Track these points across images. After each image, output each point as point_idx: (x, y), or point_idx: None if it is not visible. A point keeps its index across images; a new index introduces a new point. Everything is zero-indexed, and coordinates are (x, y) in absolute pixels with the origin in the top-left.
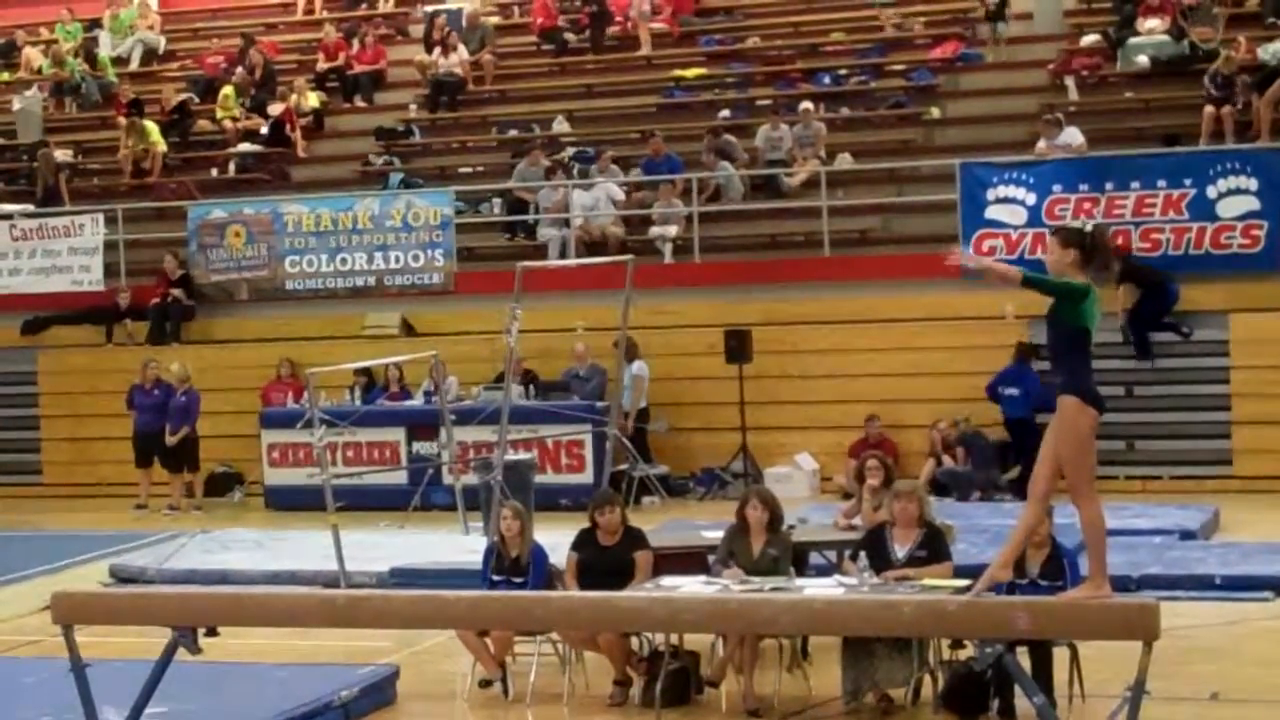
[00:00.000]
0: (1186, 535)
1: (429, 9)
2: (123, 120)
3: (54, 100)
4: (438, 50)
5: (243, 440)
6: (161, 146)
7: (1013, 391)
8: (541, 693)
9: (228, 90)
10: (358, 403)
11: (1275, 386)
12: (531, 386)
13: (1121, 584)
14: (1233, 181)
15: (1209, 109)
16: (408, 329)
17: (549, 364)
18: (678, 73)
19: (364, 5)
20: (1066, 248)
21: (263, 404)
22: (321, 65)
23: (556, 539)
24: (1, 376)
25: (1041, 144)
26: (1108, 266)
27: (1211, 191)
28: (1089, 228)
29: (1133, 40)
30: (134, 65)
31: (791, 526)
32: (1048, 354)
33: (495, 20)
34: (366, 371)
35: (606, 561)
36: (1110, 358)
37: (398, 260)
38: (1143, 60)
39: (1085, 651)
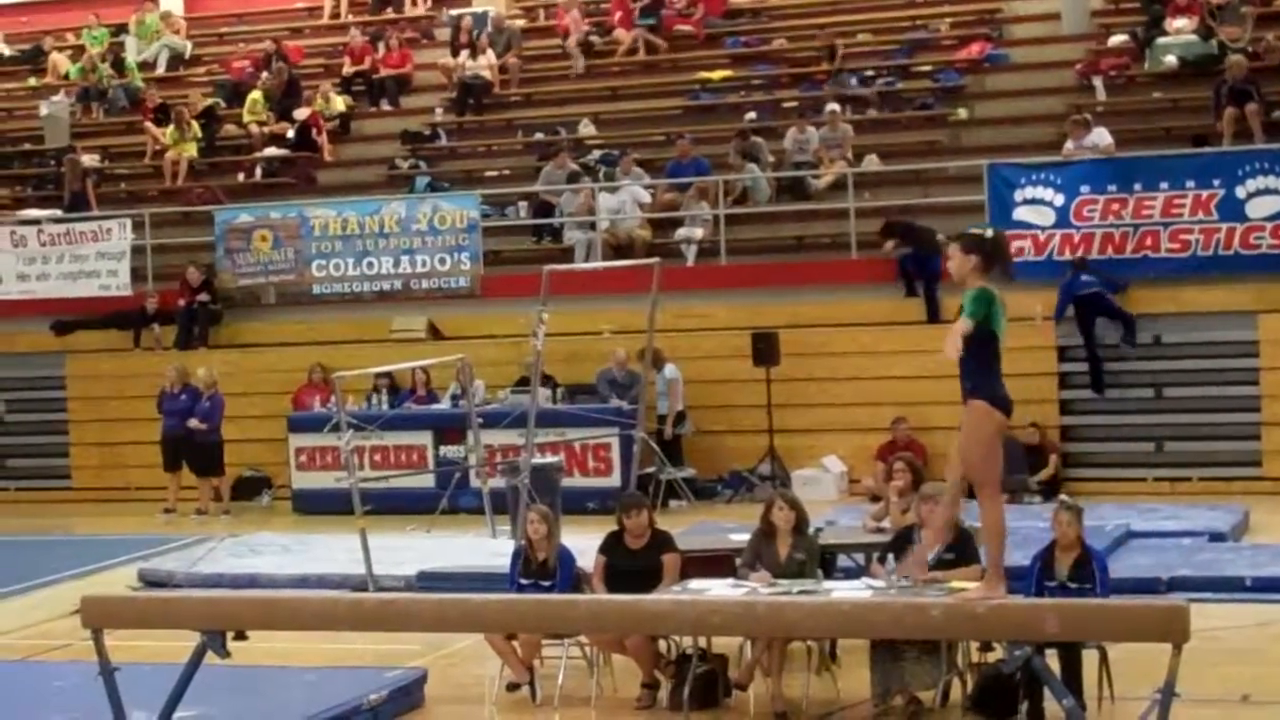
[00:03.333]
0: (1216, 537)
1: (454, 12)
2: (150, 125)
3: (81, 106)
4: (464, 54)
5: (271, 444)
6: (190, 151)
7: (1088, 278)
8: (569, 696)
9: (255, 95)
10: (384, 406)
11: None
12: (556, 390)
13: (1151, 586)
14: (1262, 181)
15: (1229, 110)
16: (434, 332)
17: (576, 367)
18: (704, 75)
19: (390, 9)
20: (968, 254)
21: (294, 408)
22: (347, 69)
23: (584, 542)
24: (30, 381)
25: (1069, 145)
26: (1008, 272)
27: (1240, 192)
28: (989, 233)
29: (1161, 40)
30: (160, 70)
31: (819, 529)
32: (964, 371)
33: (521, 23)
34: (388, 375)
35: (634, 564)
36: (1140, 359)
37: (424, 264)
38: (1171, 60)
39: (1114, 654)
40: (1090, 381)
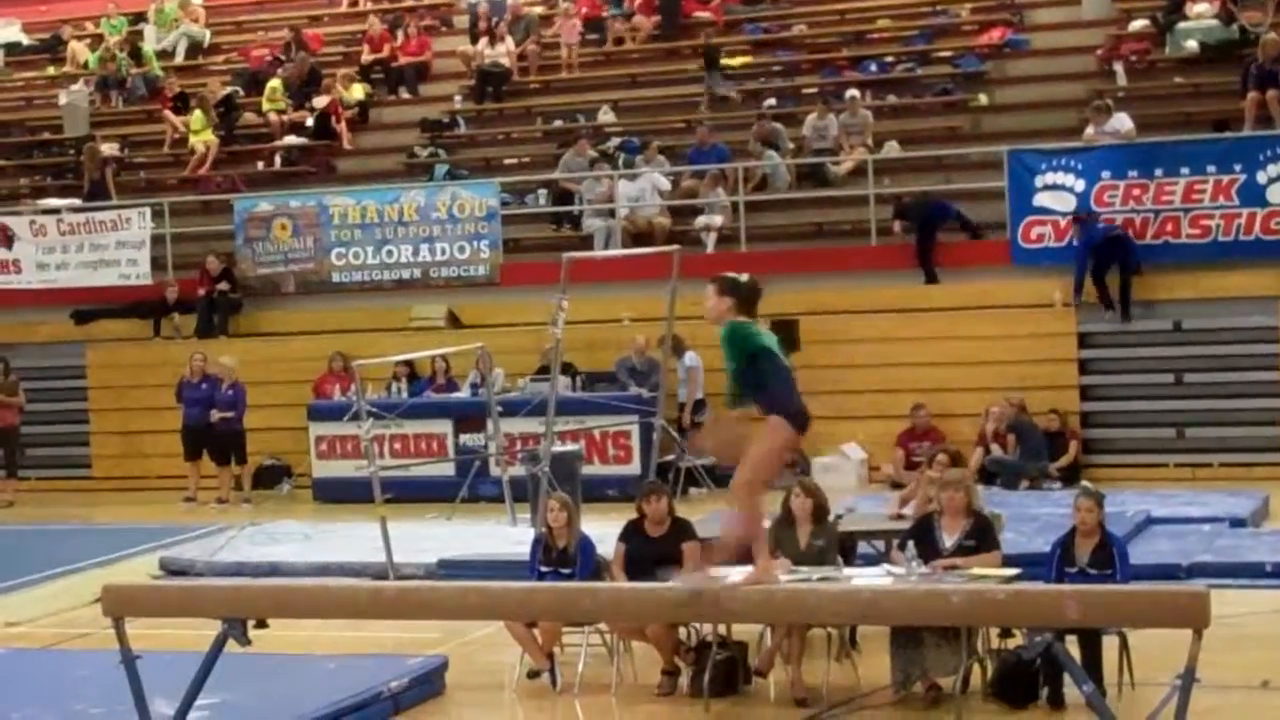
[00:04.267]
0: (1237, 523)
1: (473, 0)
2: (169, 114)
3: (100, 95)
4: (483, 41)
5: (291, 433)
6: (208, 137)
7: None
8: (589, 683)
9: (274, 83)
10: (403, 395)
11: None
12: (576, 378)
13: (1171, 572)
14: None
15: (1252, 94)
16: (454, 321)
17: (595, 355)
18: (724, 61)
19: None
20: (723, 295)
21: (314, 396)
22: (366, 57)
23: (604, 530)
24: (51, 371)
25: (1090, 130)
26: (754, 313)
27: (1261, 177)
28: (744, 279)
29: (1181, 25)
30: (179, 59)
31: (839, 516)
32: (752, 395)
33: (539, 10)
34: (408, 364)
35: (654, 552)
36: (1159, 345)
37: (443, 252)
38: (1192, 45)
39: (1135, 640)
40: (1121, 312)
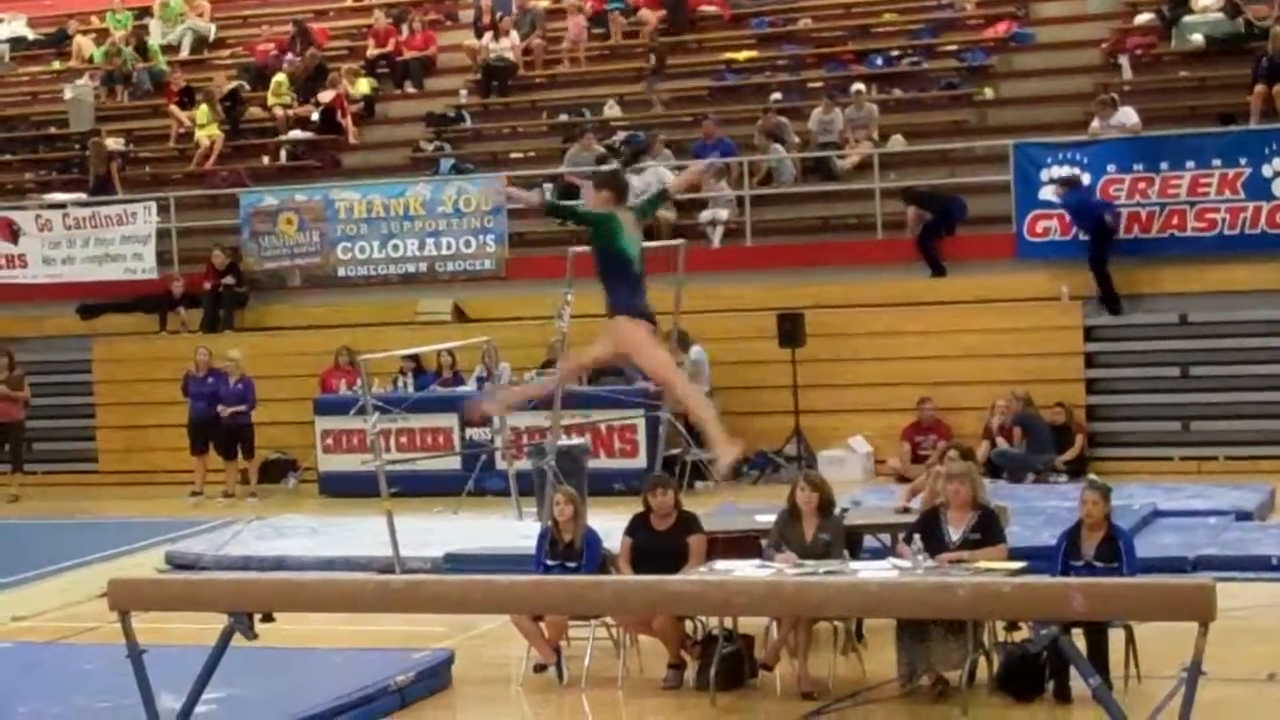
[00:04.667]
0: (1243, 516)
1: None
2: (175, 108)
3: (105, 89)
4: (488, 35)
5: (297, 427)
6: (213, 131)
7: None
8: (596, 677)
9: (279, 78)
10: (409, 389)
11: None
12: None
13: (1177, 565)
14: None
15: (1260, 88)
16: (460, 315)
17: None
18: (729, 55)
19: None
20: (600, 190)
21: (320, 390)
22: (372, 51)
23: (610, 524)
24: (57, 365)
25: (1096, 124)
26: (624, 198)
27: (1267, 170)
28: (613, 169)
29: (1187, 19)
30: (184, 53)
31: (845, 510)
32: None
33: (545, 4)
34: (415, 358)
35: (660, 545)
36: (1165, 338)
37: (449, 246)
38: (1197, 39)
39: (1141, 633)
40: (1109, 308)
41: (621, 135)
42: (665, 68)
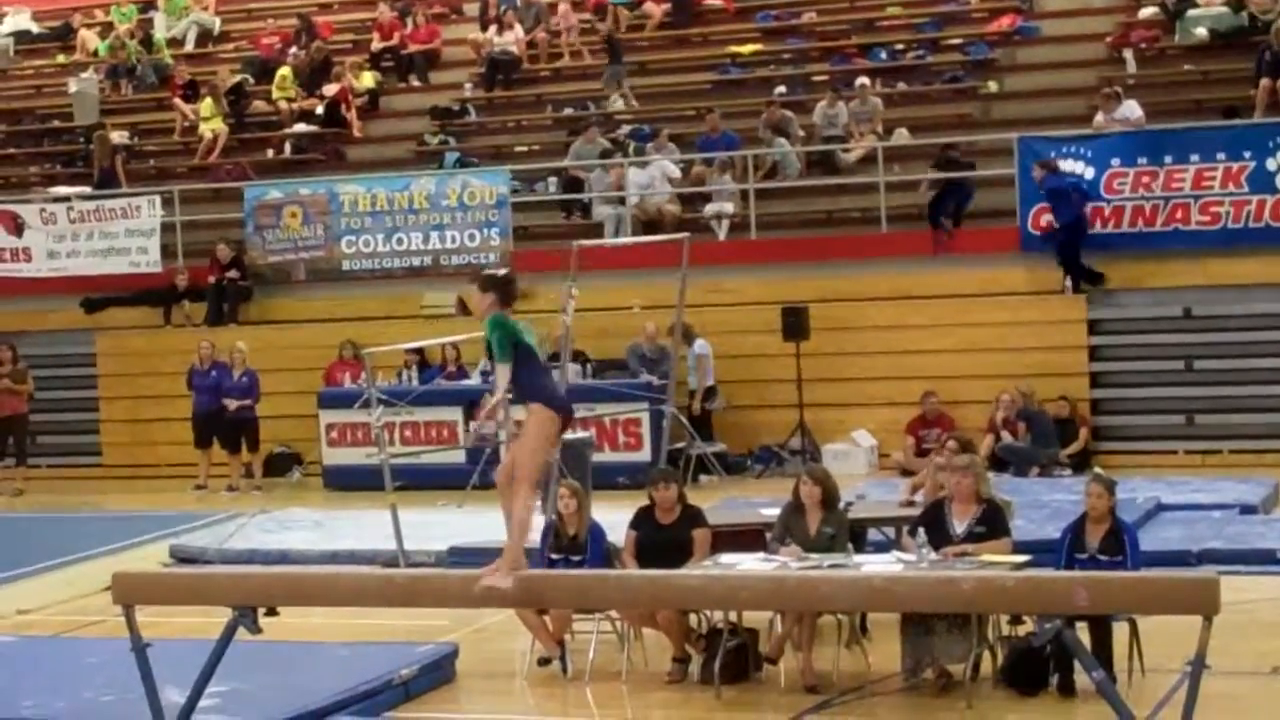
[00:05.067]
0: (1247, 509)
1: None
2: (179, 101)
3: (110, 83)
4: (492, 29)
5: (301, 420)
6: (217, 125)
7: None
8: (600, 670)
9: (284, 71)
10: (413, 382)
11: None
12: (586, 366)
13: (1181, 558)
14: None
15: (1264, 82)
16: (464, 308)
17: (606, 343)
18: (733, 49)
19: None
20: (485, 292)
21: (325, 384)
22: (376, 45)
23: (614, 517)
24: (61, 358)
25: (1100, 117)
26: (512, 305)
27: (1271, 164)
28: (502, 274)
29: (1191, 12)
30: (189, 47)
31: (849, 503)
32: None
33: None
34: (419, 351)
35: (664, 539)
36: (1169, 331)
37: (454, 240)
38: (1201, 32)
39: (1145, 626)
40: (1077, 283)
41: (626, 129)
42: (625, 62)
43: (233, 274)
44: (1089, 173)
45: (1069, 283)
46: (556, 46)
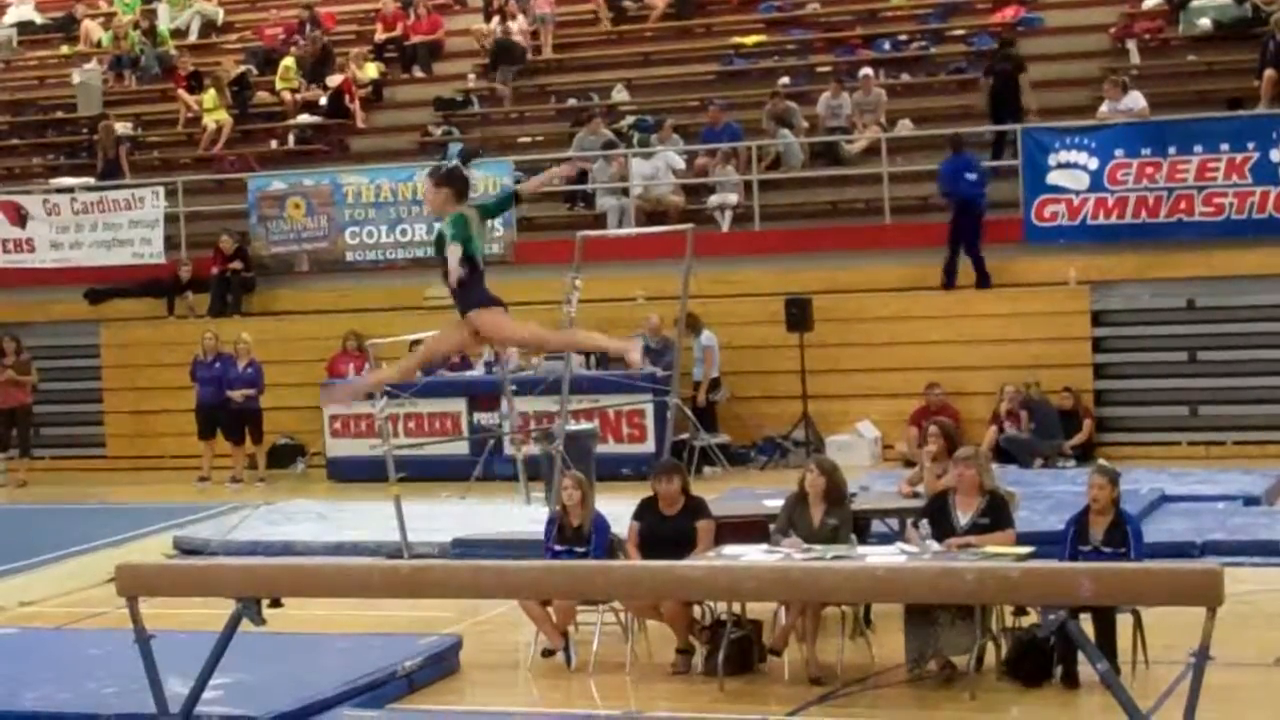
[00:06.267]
0: (1250, 501)
1: None
2: (183, 92)
3: (114, 74)
4: (495, 19)
5: (305, 412)
6: (221, 116)
7: (972, 176)
8: (604, 662)
9: (287, 62)
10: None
11: None
12: (590, 357)
13: (1185, 550)
14: None
15: (1269, 73)
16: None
17: (609, 334)
18: (737, 40)
19: None
20: (439, 187)
21: (328, 375)
22: (379, 35)
23: (618, 509)
24: (65, 350)
25: (1103, 108)
26: (465, 196)
27: (1275, 155)
28: (453, 165)
29: (1194, 3)
30: (193, 37)
31: (853, 495)
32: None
33: None
34: (422, 343)
35: (668, 531)
36: (1173, 322)
37: None
38: (1205, 23)
39: (1148, 618)
40: (978, 280)
41: (630, 120)
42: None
43: (236, 265)
44: (1093, 163)
45: (1073, 274)
46: (559, 38)
